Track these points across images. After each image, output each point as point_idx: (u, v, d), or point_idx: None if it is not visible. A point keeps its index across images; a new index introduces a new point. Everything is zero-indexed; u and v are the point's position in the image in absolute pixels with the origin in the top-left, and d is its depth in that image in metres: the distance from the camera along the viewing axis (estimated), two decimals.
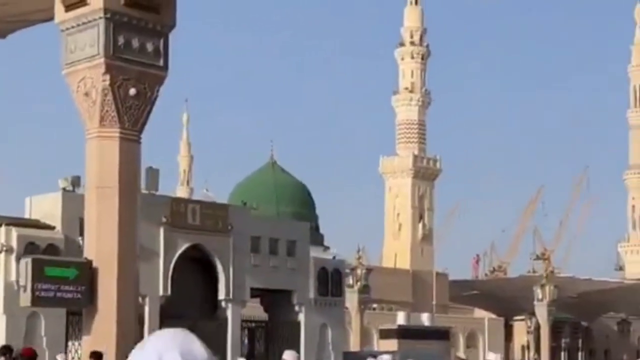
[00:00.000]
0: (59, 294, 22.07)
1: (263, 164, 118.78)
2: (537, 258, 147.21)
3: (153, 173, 42.60)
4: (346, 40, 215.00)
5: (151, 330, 41.71)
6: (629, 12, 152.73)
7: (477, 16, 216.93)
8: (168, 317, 41.83)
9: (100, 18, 21.80)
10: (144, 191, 42.45)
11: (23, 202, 42.88)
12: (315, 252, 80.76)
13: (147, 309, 41.72)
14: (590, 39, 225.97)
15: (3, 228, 39.35)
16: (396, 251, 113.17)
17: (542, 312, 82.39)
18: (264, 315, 48.52)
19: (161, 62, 23.74)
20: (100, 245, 22.76)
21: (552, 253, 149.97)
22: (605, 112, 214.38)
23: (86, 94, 22.25)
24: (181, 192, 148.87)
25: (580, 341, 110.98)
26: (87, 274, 22.25)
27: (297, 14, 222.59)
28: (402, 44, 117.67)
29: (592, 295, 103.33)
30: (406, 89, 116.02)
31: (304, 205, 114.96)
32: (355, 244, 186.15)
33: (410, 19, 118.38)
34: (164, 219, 42.20)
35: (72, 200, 39.84)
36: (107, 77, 22.64)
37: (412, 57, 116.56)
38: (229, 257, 43.83)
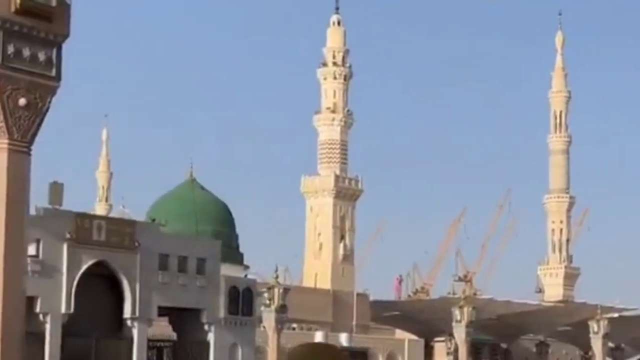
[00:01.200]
0: None
1: (182, 181, 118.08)
2: (460, 279, 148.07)
3: (57, 187, 41.74)
4: (269, 58, 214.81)
5: (52, 349, 40.85)
6: (551, 38, 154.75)
7: (399, 37, 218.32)
8: (70, 335, 40.99)
9: None
10: (47, 206, 41.68)
11: None
12: (233, 271, 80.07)
13: (48, 327, 40.80)
14: (513, 62, 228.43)
15: None
16: (317, 271, 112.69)
17: (460, 334, 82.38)
18: (172, 334, 47.74)
19: (53, 72, 23.01)
20: None
21: (474, 275, 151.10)
22: (528, 136, 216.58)
23: None
24: (100, 209, 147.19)
25: None
26: None
27: (221, 29, 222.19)
28: (324, 64, 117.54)
29: (511, 318, 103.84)
30: (328, 108, 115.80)
31: (223, 223, 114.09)
32: (277, 264, 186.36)
33: (333, 39, 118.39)
34: (67, 235, 41.34)
35: None
36: None
37: (335, 78, 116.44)
38: (136, 275, 43.09)
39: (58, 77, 22.32)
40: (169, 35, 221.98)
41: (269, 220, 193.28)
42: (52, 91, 22.77)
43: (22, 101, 21.61)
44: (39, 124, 22.12)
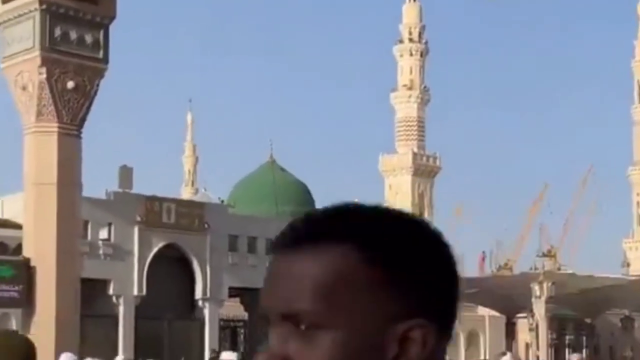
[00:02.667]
0: None
1: (262, 163, 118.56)
2: (543, 255, 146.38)
3: (126, 171, 42.01)
4: (345, 37, 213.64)
5: (126, 331, 41.25)
6: (633, 5, 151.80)
7: (476, 11, 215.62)
8: (143, 317, 41.31)
9: (36, 9, 21.15)
10: (117, 190, 42.02)
11: None
12: None
13: (121, 309, 41.18)
14: (593, 35, 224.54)
15: None
16: None
17: (540, 309, 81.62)
18: (244, 315, 47.90)
19: (101, 55, 23.08)
20: (38, 244, 22.16)
21: (558, 250, 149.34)
22: (610, 108, 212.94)
23: (23, 88, 21.61)
24: (186, 193, 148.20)
25: (584, 338, 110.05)
26: (25, 273, 21.63)
27: (295, 11, 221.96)
28: (401, 41, 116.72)
29: (594, 292, 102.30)
30: (405, 86, 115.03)
31: (303, 204, 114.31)
32: None
33: (409, 15, 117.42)
34: (138, 218, 41.60)
35: None
36: (44, 70, 22.02)
37: (411, 54, 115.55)
38: (206, 256, 43.24)
39: (106, 59, 22.36)
40: (246, 17, 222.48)
41: (348, 199, 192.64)
42: (100, 73, 22.81)
43: (70, 84, 21.68)
44: (88, 107, 22.18)
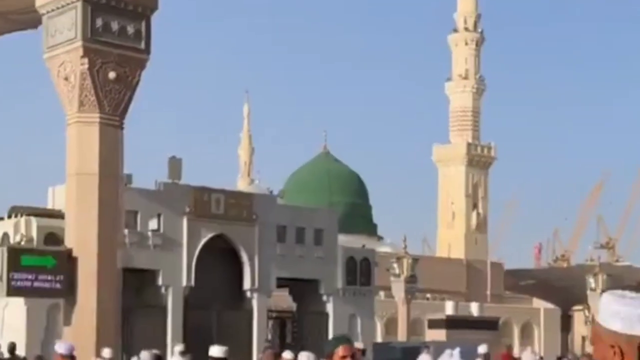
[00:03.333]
0: (36, 284, 21.50)
1: (316, 154, 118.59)
2: (601, 246, 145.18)
3: (175, 162, 42.05)
4: (399, 27, 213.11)
5: (174, 321, 41.34)
6: None
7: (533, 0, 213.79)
8: (192, 307, 41.37)
9: (78, 0, 21.16)
10: (166, 181, 42.08)
11: (46, 191, 42.65)
12: (367, 242, 79.76)
13: (170, 299, 41.25)
14: None
15: (23, 219, 39.05)
16: (450, 240, 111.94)
17: (595, 302, 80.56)
18: (292, 305, 47.87)
19: (142, 45, 23.07)
20: (80, 234, 22.20)
21: (617, 241, 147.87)
22: None
23: (66, 79, 21.64)
24: (242, 184, 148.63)
25: None
26: (66, 264, 21.67)
27: (350, 1, 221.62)
28: (455, 30, 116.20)
29: None
30: (460, 75, 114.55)
31: (357, 194, 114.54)
32: (411, 233, 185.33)
33: (464, 4, 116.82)
34: (187, 209, 41.64)
35: None
36: (86, 60, 22.05)
37: (466, 44, 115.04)
38: (254, 247, 43.16)
39: (147, 50, 22.29)
40: (300, 8, 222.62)
41: (401, 190, 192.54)
42: (142, 64, 22.76)
43: (112, 75, 21.67)
44: (130, 98, 22.14)
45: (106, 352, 18.02)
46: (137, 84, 22.98)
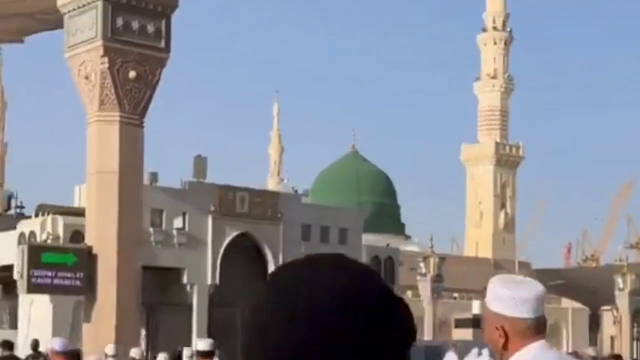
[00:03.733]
0: (56, 281, 21.67)
1: (345, 153, 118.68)
2: (631, 247, 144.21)
3: (200, 161, 42.31)
4: (428, 26, 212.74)
5: (199, 319, 41.56)
6: None
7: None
8: (217, 305, 41.61)
9: (99, 0, 21.32)
10: (192, 179, 42.34)
11: (72, 190, 42.99)
12: (395, 241, 79.66)
13: (195, 297, 41.51)
14: None
15: (50, 217, 39.39)
16: (478, 240, 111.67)
17: (622, 302, 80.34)
18: None
19: (162, 44, 23.18)
20: (100, 231, 22.34)
21: None
22: None
23: (86, 78, 21.80)
24: (272, 183, 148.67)
25: None
26: (86, 261, 21.84)
27: (380, 2, 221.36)
28: (484, 30, 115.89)
29: None
30: (488, 75, 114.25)
31: (385, 194, 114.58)
32: (440, 233, 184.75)
33: (493, 3, 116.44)
34: (212, 207, 41.87)
35: None
36: (106, 59, 22.20)
37: (495, 43, 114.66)
38: (279, 246, 43.35)
39: (167, 49, 22.43)
40: (330, 9, 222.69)
41: (430, 189, 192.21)
42: (162, 63, 22.89)
43: (132, 74, 21.81)
44: (150, 96, 22.28)
45: (110, 348, 18.14)
46: (158, 82, 23.12)
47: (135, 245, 23.48)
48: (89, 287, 22.70)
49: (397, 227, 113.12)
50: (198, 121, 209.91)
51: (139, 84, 23.08)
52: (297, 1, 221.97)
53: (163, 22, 23.26)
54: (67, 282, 22.20)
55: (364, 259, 46.42)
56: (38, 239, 37.36)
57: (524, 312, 3.86)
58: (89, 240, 23.28)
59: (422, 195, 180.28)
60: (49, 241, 39.51)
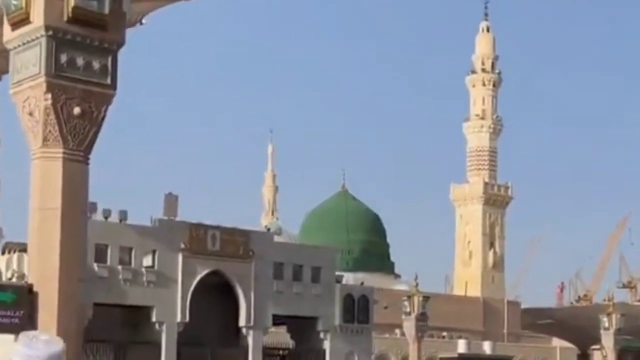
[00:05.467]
0: None
1: (335, 192, 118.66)
2: (623, 286, 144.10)
3: (171, 199, 42.26)
4: (418, 68, 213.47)
5: (168, 358, 41.33)
6: None
7: (549, 42, 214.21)
8: (187, 343, 41.41)
9: (42, 36, 21.29)
10: (162, 217, 42.23)
11: None
12: (384, 281, 78.87)
13: (164, 335, 41.33)
14: None
15: (16, 255, 39.30)
16: (467, 279, 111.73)
17: (608, 342, 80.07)
18: (288, 343, 47.79)
19: (108, 81, 23.08)
20: (41, 269, 22.14)
21: (639, 282, 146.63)
22: None
23: (30, 114, 21.76)
24: (265, 222, 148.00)
25: None
26: (27, 299, 21.61)
27: (370, 43, 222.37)
28: (473, 72, 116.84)
29: None
30: (477, 115, 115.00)
31: (374, 232, 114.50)
32: (434, 272, 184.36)
33: (482, 46, 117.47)
34: (182, 245, 41.81)
35: (88, 226, 39.50)
36: (49, 96, 22.11)
37: (484, 84, 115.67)
38: (250, 283, 43.24)
39: (114, 85, 22.38)
40: (315, 51, 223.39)
41: (420, 229, 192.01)
42: (108, 100, 22.83)
43: (76, 110, 21.77)
44: (96, 133, 22.21)
45: None
46: (103, 119, 23.01)
47: (79, 283, 23.27)
48: (28, 325, 22.41)
49: (386, 266, 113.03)
50: (174, 159, 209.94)
51: (83, 120, 23.01)
52: (283, 45, 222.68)
53: (109, 59, 23.18)
54: (5, 320, 21.95)
55: (338, 297, 46.31)
56: (4, 277, 37.24)
57: None
58: (32, 277, 23.05)
59: (412, 235, 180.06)
60: (14, 279, 39.38)
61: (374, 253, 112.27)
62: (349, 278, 69.64)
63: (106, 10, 23.22)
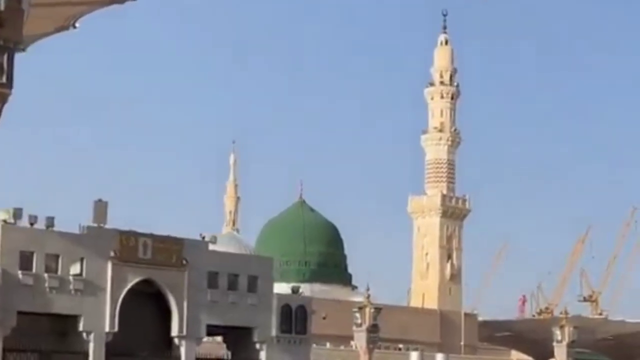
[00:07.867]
0: None
1: (292, 203, 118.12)
2: (584, 300, 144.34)
3: (101, 205, 41.49)
4: (376, 79, 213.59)
5: None
6: None
7: (506, 56, 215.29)
8: (116, 354, 40.64)
9: None
10: (91, 224, 41.51)
11: None
12: (341, 292, 78.11)
13: (91, 345, 40.51)
14: (629, 73, 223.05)
15: None
16: (424, 291, 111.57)
17: (561, 354, 79.71)
18: (223, 354, 47.12)
19: (4, 79, 22.47)
20: None
21: (600, 295, 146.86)
22: None
23: None
24: (226, 233, 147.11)
25: None
26: None
27: (329, 54, 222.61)
28: (431, 84, 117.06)
29: (628, 338, 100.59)
30: (435, 128, 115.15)
31: (332, 244, 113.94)
32: (396, 284, 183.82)
33: (441, 58, 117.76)
34: (112, 253, 41.08)
35: (13, 232, 38.93)
36: None
37: (442, 97, 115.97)
38: (183, 292, 42.55)
39: (10, 84, 21.71)
40: (275, 56, 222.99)
41: (378, 240, 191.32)
42: (4, 99, 22.16)
43: None
44: None
45: None
46: None
47: None
48: None
49: (343, 278, 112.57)
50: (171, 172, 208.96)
51: None
52: (244, 55, 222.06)
53: (5, 58, 22.50)
54: None
55: (275, 307, 45.67)
56: None
57: None
58: None
59: (371, 247, 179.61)
60: None
61: (331, 264, 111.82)
62: (306, 289, 69.04)
63: (1, 7, 22.48)
